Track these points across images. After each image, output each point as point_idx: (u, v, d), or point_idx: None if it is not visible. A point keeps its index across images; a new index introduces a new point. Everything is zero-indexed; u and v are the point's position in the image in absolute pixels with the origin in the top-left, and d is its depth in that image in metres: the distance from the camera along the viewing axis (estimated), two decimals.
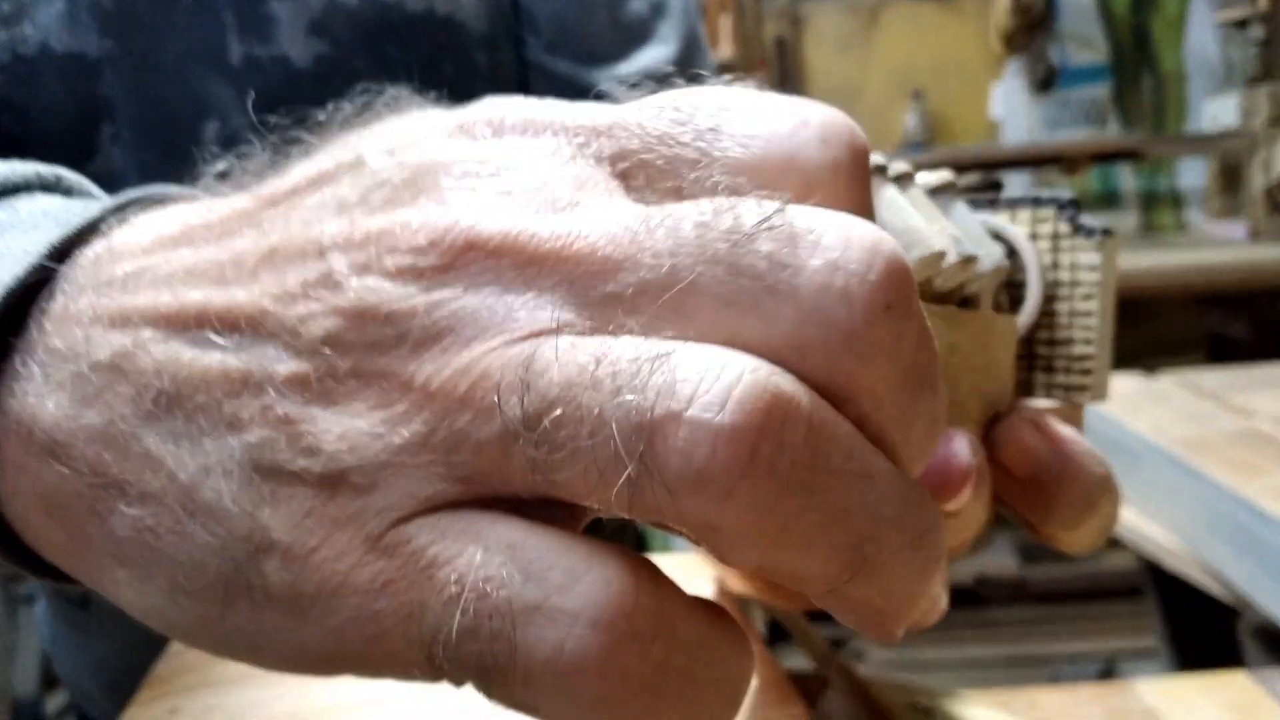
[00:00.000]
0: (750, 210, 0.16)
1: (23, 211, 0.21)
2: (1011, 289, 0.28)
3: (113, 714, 0.41)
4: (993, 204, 0.29)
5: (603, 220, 0.16)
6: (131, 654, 0.47)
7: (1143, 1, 2.52)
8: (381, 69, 0.52)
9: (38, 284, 0.19)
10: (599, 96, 0.65)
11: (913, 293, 0.16)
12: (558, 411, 0.15)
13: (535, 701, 0.16)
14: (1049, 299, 0.28)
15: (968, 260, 0.25)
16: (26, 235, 0.20)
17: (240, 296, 0.18)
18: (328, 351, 0.17)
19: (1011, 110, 2.57)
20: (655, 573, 0.16)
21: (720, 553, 0.16)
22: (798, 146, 0.17)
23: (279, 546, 0.17)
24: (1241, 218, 2.12)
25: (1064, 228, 0.28)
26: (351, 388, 0.17)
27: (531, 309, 0.16)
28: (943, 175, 0.27)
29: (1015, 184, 2.33)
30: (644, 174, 0.17)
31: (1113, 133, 2.52)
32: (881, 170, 0.25)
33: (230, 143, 0.51)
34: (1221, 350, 1.96)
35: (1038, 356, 0.28)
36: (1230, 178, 2.22)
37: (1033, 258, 0.28)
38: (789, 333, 0.15)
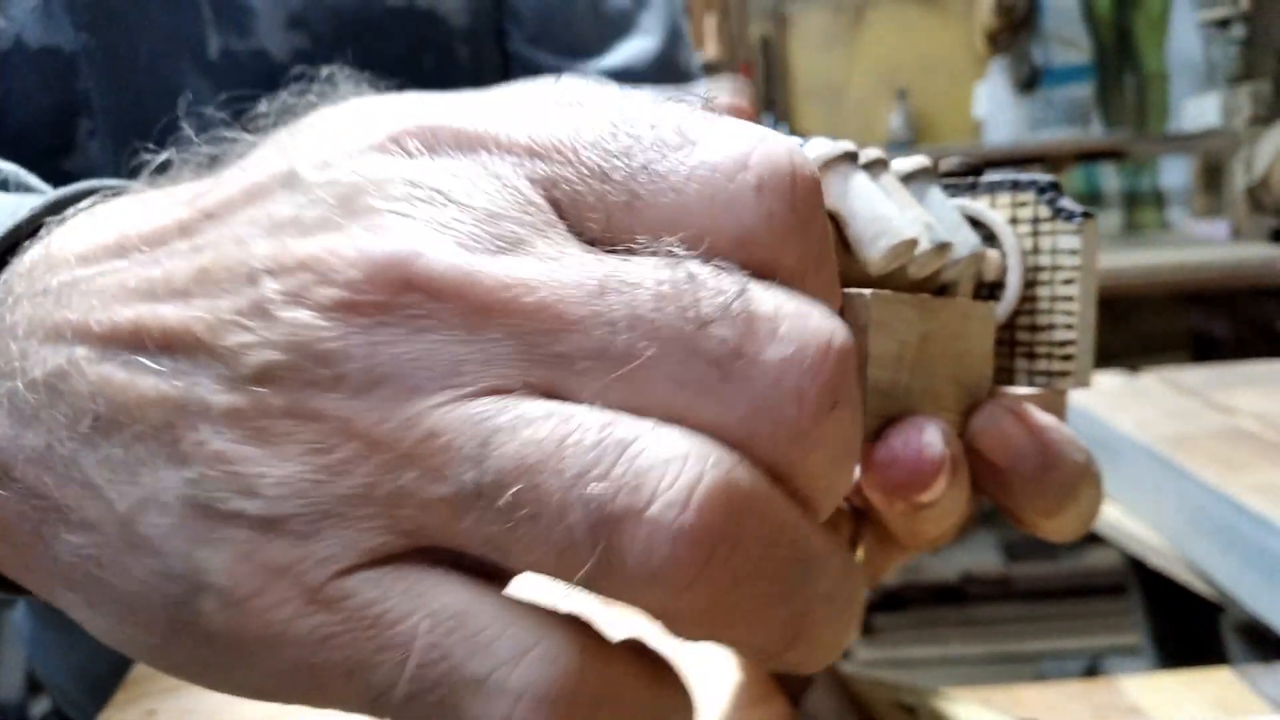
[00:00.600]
0: (709, 291, 0.16)
1: None
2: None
3: (94, 716, 0.41)
4: (973, 189, 0.29)
5: (554, 272, 0.16)
6: (112, 655, 0.46)
7: (1125, 1, 2.53)
8: (361, 63, 0.51)
9: None
10: None
11: (854, 379, 0.16)
12: (516, 488, 0.15)
13: None
14: (1030, 284, 0.28)
15: (941, 247, 0.25)
16: None
17: (172, 318, 0.17)
18: (262, 388, 0.16)
19: (995, 110, 2.58)
20: (597, 639, 0.16)
21: (671, 629, 0.16)
22: (733, 195, 0.16)
23: (216, 588, 0.16)
24: (1224, 217, 2.14)
25: (1044, 211, 0.27)
26: (287, 427, 0.16)
27: (479, 363, 0.16)
28: (918, 161, 0.27)
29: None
30: (576, 209, 0.17)
31: (1096, 132, 2.53)
32: (852, 158, 0.24)
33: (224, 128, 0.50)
34: (1204, 349, 1.97)
35: (1019, 343, 0.28)
36: (1212, 177, 2.23)
37: (1012, 243, 0.27)
38: (740, 421, 0.15)
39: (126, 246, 0.18)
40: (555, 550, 0.15)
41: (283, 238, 0.17)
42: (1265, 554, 0.71)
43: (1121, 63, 2.56)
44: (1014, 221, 0.28)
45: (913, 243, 0.24)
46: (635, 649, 0.17)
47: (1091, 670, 1.67)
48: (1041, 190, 0.27)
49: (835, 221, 0.24)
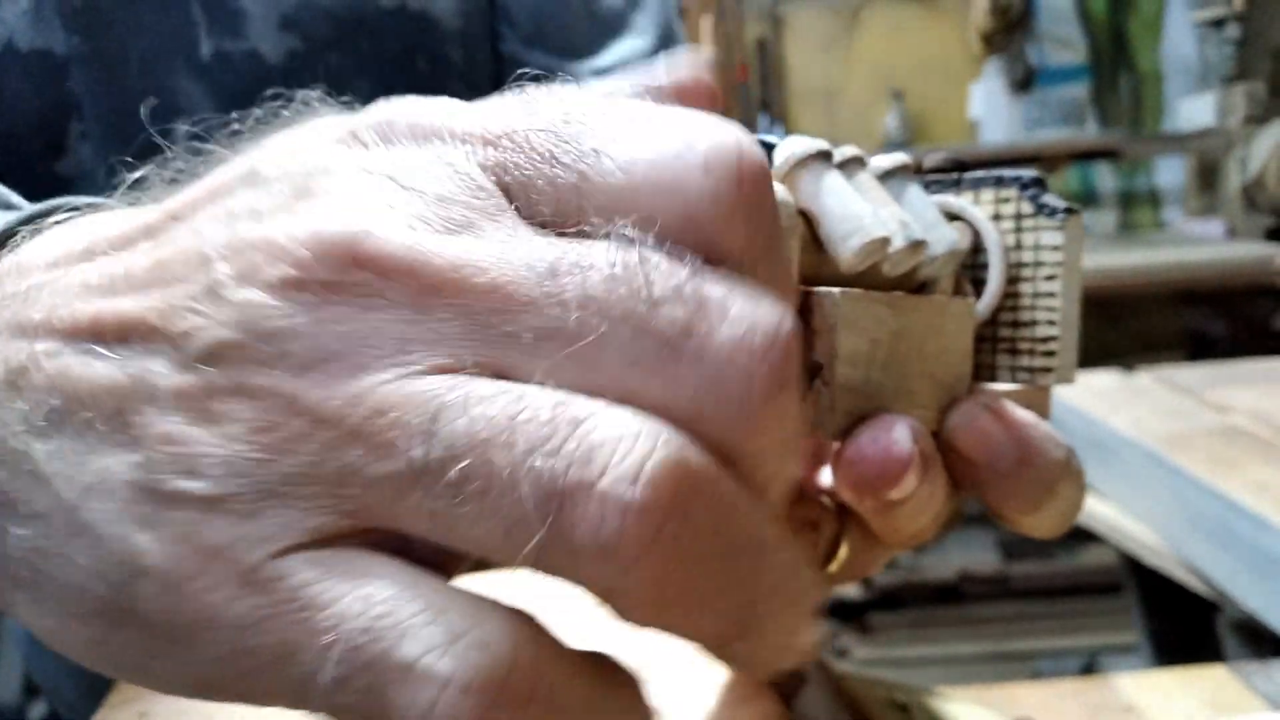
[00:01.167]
0: (661, 272, 0.16)
1: None
2: (976, 270, 0.28)
3: (89, 719, 0.41)
4: (956, 185, 0.29)
5: (504, 253, 0.16)
6: None
7: (1120, 2, 2.53)
8: (354, 65, 0.51)
9: None
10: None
11: (797, 368, 0.16)
12: (464, 463, 0.15)
13: None
14: (1012, 280, 0.27)
15: (916, 245, 0.24)
16: None
17: (127, 306, 0.17)
18: (210, 367, 0.16)
19: (990, 110, 2.58)
20: (537, 632, 0.16)
21: (619, 612, 0.16)
22: (679, 174, 0.16)
23: (153, 572, 0.16)
24: (1219, 216, 2.14)
25: (1026, 207, 0.27)
26: (233, 406, 0.16)
27: (428, 342, 0.16)
28: (896, 158, 0.27)
29: None
30: (526, 193, 0.17)
31: (1091, 132, 2.53)
32: (826, 156, 0.24)
33: (200, 142, 0.50)
34: (1200, 348, 1.97)
35: (1001, 339, 0.28)
36: (1207, 176, 2.24)
37: (994, 239, 0.27)
38: (689, 400, 0.16)
39: (94, 251, 0.19)
40: (504, 524, 0.15)
41: (237, 225, 0.17)
42: (1260, 552, 0.72)
43: (1116, 63, 2.56)
44: (997, 218, 0.28)
45: (885, 241, 0.24)
46: (593, 656, 0.17)
47: (1088, 668, 1.67)
48: (1024, 186, 0.27)
49: (808, 220, 0.24)
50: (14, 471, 0.17)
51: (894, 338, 0.24)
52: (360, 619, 0.15)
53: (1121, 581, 1.19)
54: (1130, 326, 1.94)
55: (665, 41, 0.58)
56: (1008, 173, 0.28)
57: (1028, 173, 0.28)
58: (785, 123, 2.63)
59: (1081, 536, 1.88)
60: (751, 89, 2.60)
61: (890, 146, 2.50)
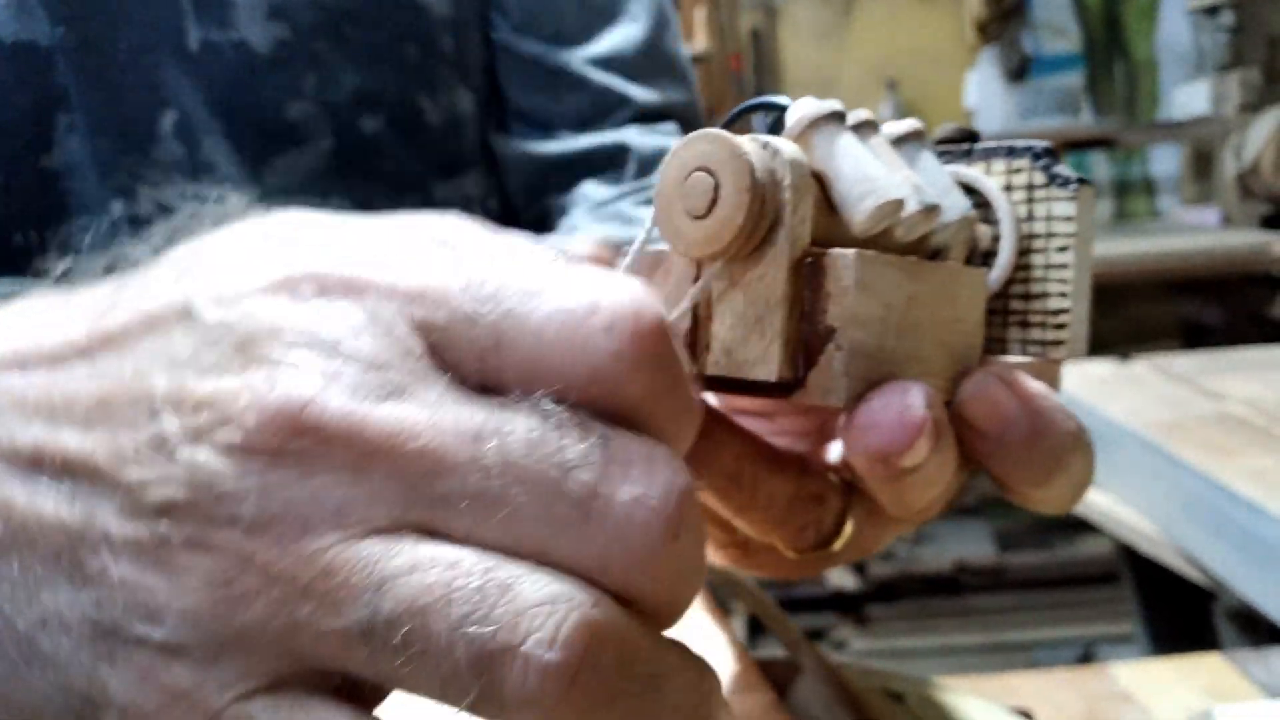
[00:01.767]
0: (573, 439, 0.18)
1: None
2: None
3: None
4: (967, 155, 0.28)
5: (434, 418, 0.18)
6: None
7: None
8: (343, 53, 0.51)
9: None
10: (569, 77, 0.64)
11: (698, 511, 0.19)
12: (406, 629, 0.17)
13: None
14: (1024, 252, 0.27)
15: (930, 209, 0.24)
16: None
17: (73, 445, 0.18)
18: (163, 523, 0.17)
19: (985, 99, 2.57)
20: None
21: None
22: (585, 337, 0.18)
23: (118, 705, 0.18)
24: (1214, 204, 2.14)
25: (1039, 178, 0.27)
26: (188, 559, 0.17)
27: (365, 504, 0.17)
28: (909, 124, 0.26)
29: None
30: (452, 351, 0.19)
31: (1086, 121, 2.53)
32: (839, 117, 0.24)
33: (187, 132, 0.50)
34: (1195, 336, 1.98)
35: (1012, 311, 0.27)
36: (1203, 164, 2.24)
37: (1006, 209, 0.27)
38: (597, 554, 0.18)
39: (25, 365, 0.19)
40: (441, 681, 0.17)
41: (182, 376, 0.18)
42: (1256, 540, 0.71)
43: (1111, 51, 2.56)
44: (1008, 188, 0.27)
45: (899, 203, 0.23)
46: None
47: (1085, 658, 1.68)
48: (1037, 156, 0.27)
49: (821, 181, 0.24)
50: None
51: (908, 303, 0.24)
52: None
53: (1118, 571, 1.19)
54: (1126, 315, 1.94)
55: (659, 28, 0.58)
56: (1019, 143, 0.27)
57: (1039, 143, 0.27)
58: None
59: (1078, 526, 1.88)
60: (745, 79, 2.60)
61: None
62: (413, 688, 0.18)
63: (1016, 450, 0.25)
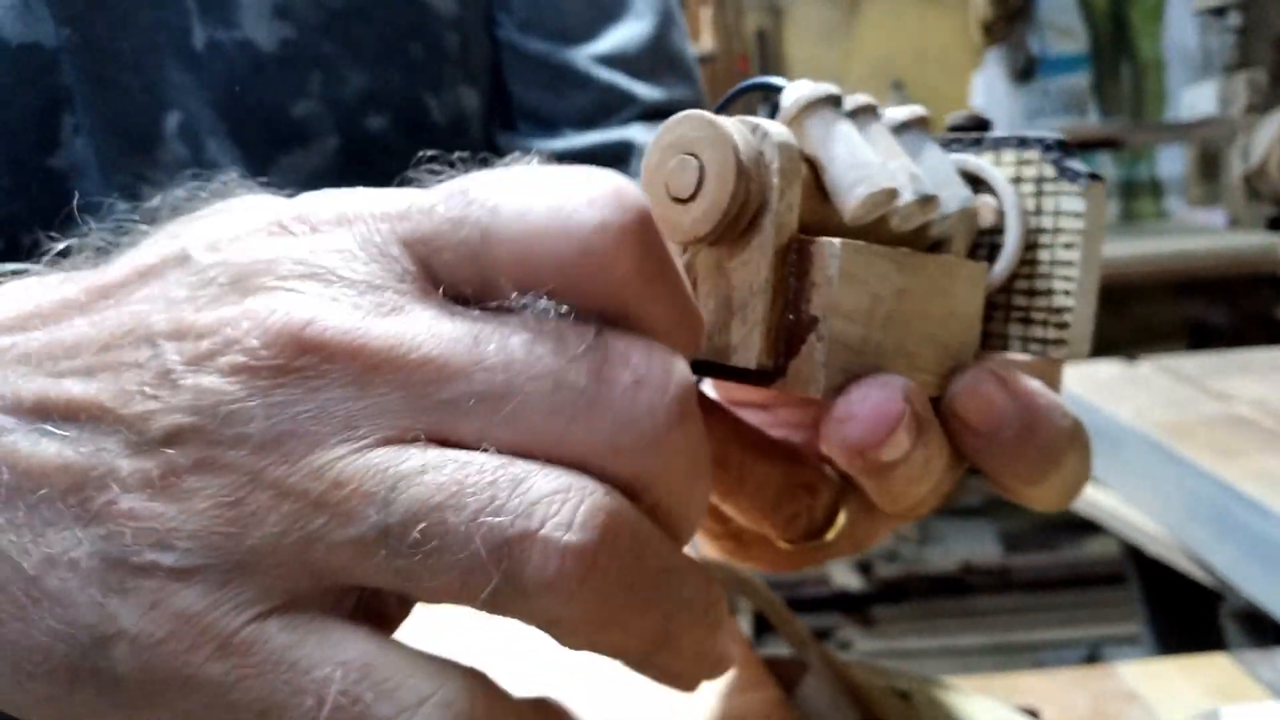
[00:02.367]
0: (571, 332, 0.18)
1: None
2: (992, 235, 0.27)
3: None
4: (977, 145, 0.27)
5: (433, 329, 0.18)
6: None
7: None
8: (349, 53, 0.51)
9: None
10: (574, 75, 0.63)
11: (695, 401, 0.19)
12: (422, 526, 0.17)
13: None
14: (1030, 246, 0.26)
15: (926, 200, 0.23)
16: None
17: (76, 390, 0.18)
18: (170, 450, 0.18)
19: (992, 100, 2.57)
20: (489, 688, 0.18)
21: (558, 637, 0.18)
22: (569, 214, 0.18)
23: (127, 634, 0.18)
24: (1220, 205, 2.13)
25: (1049, 171, 0.26)
26: (196, 481, 0.17)
27: (373, 416, 0.18)
28: (912, 110, 0.26)
29: None
30: (441, 259, 0.19)
31: (1092, 121, 2.53)
32: (835, 102, 0.23)
33: (192, 133, 0.50)
34: (1201, 337, 1.97)
35: (1015, 308, 0.27)
36: (1209, 165, 2.23)
37: (1012, 202, 0.26)
38: (606, 440, 0.18)
39: (25, 324, 0.19)
40: (461, 574, 0.17)
41: (180, 312, 0.18)
42: (1263, 540, 0.71)
43: (1118, 52, 2.56)
44: (1017, 180, 0.27)
45: (892, 192, 0.23)
46: (537, 702, 0.19)
47: (1091, 659, 1.67)
48: (1048, 148, 0.26)
49: (813, 167, 0.23)
50: None
51: (897, 296, 0.23)
52: (341, 683, 0.17)
53: (1124, 572, 1.19)
54: (1132, 316, 1.94)
55: (665, 25, 0.58)
56: (1031, 134, 0.27)
57: (1052, 134, 0.26)
58: None
59: (1083, 527, 1.87)
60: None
61: None
62: (432, 588, 0.18)
63: (1008, 447, 0.25)
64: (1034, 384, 0.25)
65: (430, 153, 0.22)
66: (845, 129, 0.23)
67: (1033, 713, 0.40)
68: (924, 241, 0.25)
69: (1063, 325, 0.26)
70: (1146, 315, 1.95)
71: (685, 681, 0.20)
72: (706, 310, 0.23)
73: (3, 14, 0.46)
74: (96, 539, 0.18)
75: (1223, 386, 0.99)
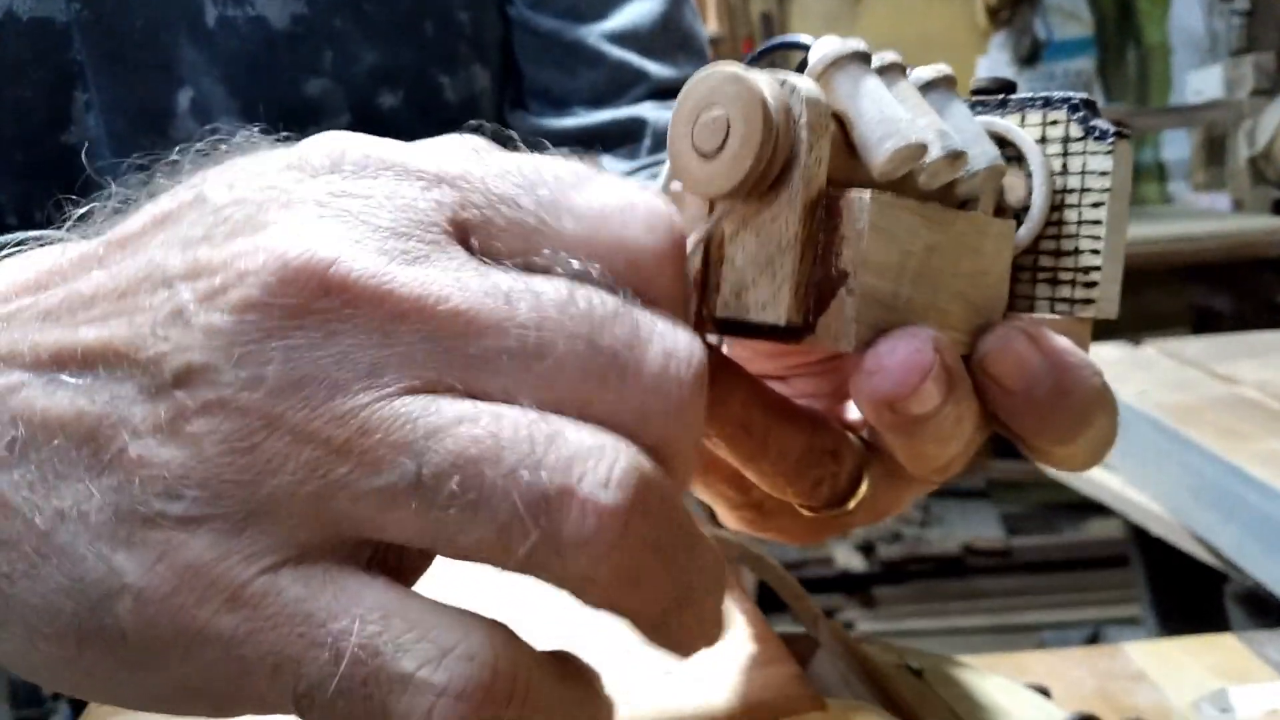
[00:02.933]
0: (602, 296, 0.18)
1: None
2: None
3: None
4: (1002, 106, 0.27)
5: (461, 281, 0.18)
6: None
7: None
8: (360, 29, 0.51)
9: None
10: (585, 53, 0.63)
11: (706, 381, 0.19)
12: (457, 479, 0.17)
13: None
14: (1056, 206, 0.26)
15: (954, 156, 0.23)
16: None
17: (90, 335, 0.18)
18: (179, 392, 0.17)
19: None
20: (512, 639, 0.18)
21: (582, 596, 0.18)
22: (625, 229, 0.19)
23: (131, 589, 0.17)
24: (1226, 189, 2.13)
25: (1075, 130, 0.26)
26: (205, 423, 0.17)
27: (399, 365, 0.17)
28: (939, 69, 0.26)
29: None
30: (484, 230, 0.19)
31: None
32: (865, 58, 0.23)
33: (204, 111, 0.50)
34: (1206, 321, 1.97)
35: (1042, 268, 0.26)
36: (1214, 149, 2.22)
37: (1039, 162, 0.26)
38: (637, 405, 0.18)
39: (45, 282, 0.19)
40: (498, 530, 0.17)
41: (195, 250, 0.18)
42: (1267, 521, 0.71)
43: (1123, 35, 2.54)
44: (1043, 140, 0.26)
45: (922, 147, 0.23)
46: (559, 657, 0.19)
47: (1093, 640, 1.68)
48: (1074, 108, 0.26)
49: (841, 123, 0.23)
50: None
51: (927, 252, 0.23)
52: (359, 635, 0.17)
53: (1126, 554, 1.19)
54: (1137, 299, 1.93)
55: (676, 3, 0.57)
56: (1056, 94, 0.26)
57: (1078, 94, 0.26)
58: None
59: (1085, 508, 1.88)
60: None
61: None
62: (464, 544, 0.17)
63: (1040, 406, 0.24)
64: (1064, 342, 0.25)
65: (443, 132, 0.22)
66: (873, 84, 0.23)
67: (1043, 690, 0.40)
68: (952, 199, 0.25)
69: (1090, 284, 0.26)
70: (1151, 299, 1.95)
71: (687, 648, 0.20)
72: (733, 267, 0.23)
73: None
74: (108, 490, 0.17)
75: (1228, 369, 0.99)
